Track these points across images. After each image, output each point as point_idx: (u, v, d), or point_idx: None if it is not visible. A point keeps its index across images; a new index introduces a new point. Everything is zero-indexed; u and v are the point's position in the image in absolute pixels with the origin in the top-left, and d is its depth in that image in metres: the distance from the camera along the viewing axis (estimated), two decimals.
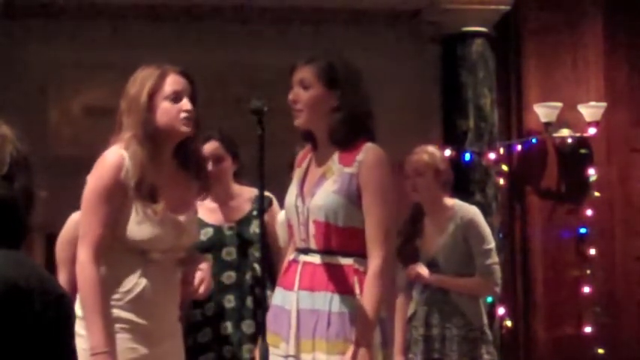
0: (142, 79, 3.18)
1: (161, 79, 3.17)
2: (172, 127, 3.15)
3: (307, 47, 5.91)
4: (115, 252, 3.11)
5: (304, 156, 3.40)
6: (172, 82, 3.18)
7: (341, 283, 3.14)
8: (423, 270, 4.34)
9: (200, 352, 4.31)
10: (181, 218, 3.20)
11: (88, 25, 6.41)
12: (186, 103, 3.17)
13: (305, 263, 3.21)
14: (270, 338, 3.15)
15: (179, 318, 3.34)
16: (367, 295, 3.09)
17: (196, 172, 3.27)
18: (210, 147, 4.38)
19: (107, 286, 3.08)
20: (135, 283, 3.11)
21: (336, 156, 3.23)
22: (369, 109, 3.29)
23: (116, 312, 3.09)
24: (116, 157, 3.10)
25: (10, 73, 6.31)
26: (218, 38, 6.46)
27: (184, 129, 3.16)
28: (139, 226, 3.10)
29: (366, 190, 3.15)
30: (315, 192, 3.22)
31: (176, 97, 3.17)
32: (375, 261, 3.11)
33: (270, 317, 3.24)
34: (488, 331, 4.38)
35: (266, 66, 6.29)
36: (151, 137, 3.13)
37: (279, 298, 3.27)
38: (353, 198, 3.15)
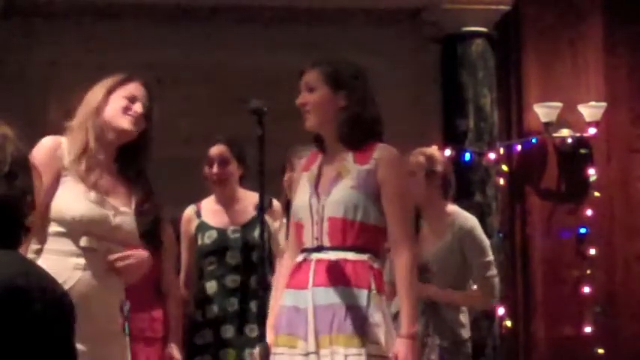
0: (106, 80, 3.29)
1: (124, 81, 3.28)
2: (114, 119, 3.21)
3: (307, 47, 5.91)
4: (52, 243, 3.10)
5: (311, 160, 3.43)
6: (134, 87, 3.27)
7: (357, 278, 3.18)
8: (426, 286, 4.16)
9: (197, 353, 4.31)
10: (119, 206, 3.19)
11: (88, 25, 6.40)
12: (138, 106, 3.23)
13: (318, 261, 3.23)
14: (283, 340, 3.22)
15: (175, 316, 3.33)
16: (405, 288, 3.19)
17: (136, 183, 3.27)
18: (216, 150, 4.41)
19: None
20: (68, 276, 3.04)
21: (350, 156, 3.28)
22: (377, 112, 3.34)
23: None
24: (52, 139, 3.21)
25: (10, 73, 6.30)
26: (218, 38, 6.46)
27: (124, 124, 3.21)
28: (73, 203, 3.11)
29: (386, 186, 3.22)
30: (332, 190, 3.25)
31: (131, 99, 3.24)
32: (404, 255, 3.21)
33: (281, 319, 3.26)
34: (469, 345, 4.27)
35: (266, 66, 6.29)
36: (98, 126, 3.19)
37: (290, 299, 3.27)
38: (371, 194, 3.22)
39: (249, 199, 4.41)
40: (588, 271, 6.63)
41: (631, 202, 6.81)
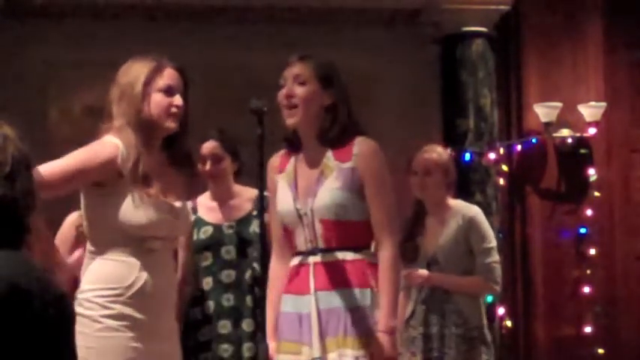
0: (137, 69, 3.21)
1: (157, 70, 3.20)
2: (160, 120, 3.17)
3: (307, 47, 5.89)
4: (113, 246, 3.10)
5: (283, 161, 3.37)
6: (168, 75, 3.21)
7: (357, 278, 3.16)
8: (422, 272, 4.33)
9: (200, 350, 4.32)
10: (175, 204, 3.21)
11: (88, 25, 6.40)
12: (178, 99, 3.19)
13: (316, 264, 3.21)
14: (287, 347, 3.18)
15: (176, 316, 3.34)
16: (386, 282, 3.14)
17: (183, 170, 3.28)
18: (208, 146, 4.40)
19: (109, 282, 3.08)
20: (136, 277, 3.10)
21: (329, 154, 3.23)
22: (355, 113, 3.31)
23: (118, 308, 3.06)
24: (114, 144, 3.10)
25: (10, 73, 6.30)
26: (218, 38, 6.46)
27: (170, 124, 3.18)
28: (135, 211, 3.09)
29: (368, 180, 3.18)
30: (317, 191, 3.21)
31: (169, 91, 3.19)
32: (388, 249, 3.16)
33: (282, 326, 3.24)
34: (486, 332, 4.37)
35: (266, 66, 6.27)
36: (142, 126, 3.15)
37: (290, 304, 3.25)
38: (356, 191, 3.18)
39: (244, 194, 4.42)
40: (588, 271, 6.63)
41: (631, 202, 6.81)
